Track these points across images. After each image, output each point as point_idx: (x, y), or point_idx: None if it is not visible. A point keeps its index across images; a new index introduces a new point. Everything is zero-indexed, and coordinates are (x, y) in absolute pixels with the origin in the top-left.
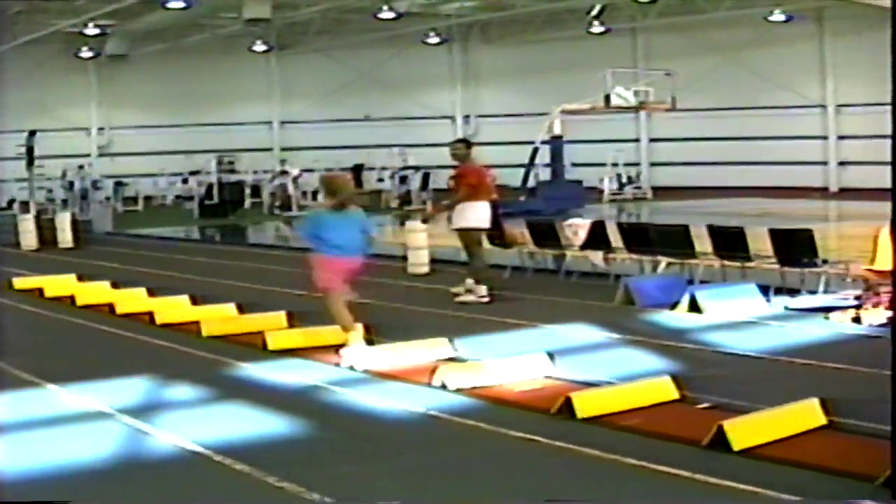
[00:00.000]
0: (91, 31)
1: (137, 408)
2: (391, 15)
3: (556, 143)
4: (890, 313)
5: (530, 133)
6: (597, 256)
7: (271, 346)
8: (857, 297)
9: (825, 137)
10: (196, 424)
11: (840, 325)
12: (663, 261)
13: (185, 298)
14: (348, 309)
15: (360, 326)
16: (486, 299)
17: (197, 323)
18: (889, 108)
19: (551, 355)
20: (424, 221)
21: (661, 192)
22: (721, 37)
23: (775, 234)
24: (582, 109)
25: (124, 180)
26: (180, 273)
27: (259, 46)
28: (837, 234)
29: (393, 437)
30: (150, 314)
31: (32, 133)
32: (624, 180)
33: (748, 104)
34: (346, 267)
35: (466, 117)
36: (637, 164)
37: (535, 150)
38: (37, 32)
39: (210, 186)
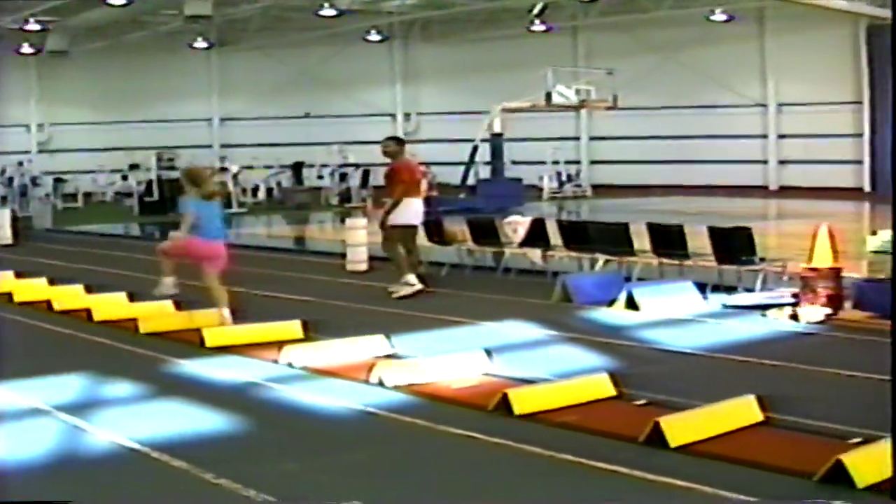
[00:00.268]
0: (32, 27)
1: (74, 405)
2: (332, 12)
3: (496, 140)
4: (828, 310)
5: (471, 131)
6: (535, 254)
7: (209, 343)
8: (795, 295)
9: (765, 136)
10: (133, 421)
11: (777, 323)
12: (601, 258)
13: (122, 295)
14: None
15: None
16: (418, 286)
17: (135, 320)
18: (829, 107)
19: (489, 352)
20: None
21: (601, 190)
22: (662, 36)
23: (714, 233)
24: (523, 107)
25: (64, 177)
26: (119, 270)
27: (200, 43)
28: (776, 233)
29: (331, 433)
30: (88, 311)
31: None
32: (564, 178)
33: (689, 103)
34: (213, 249)
35: (407, 115)
36: (577, 162)
37: (476, 148)
38: None
39: (150, 183)
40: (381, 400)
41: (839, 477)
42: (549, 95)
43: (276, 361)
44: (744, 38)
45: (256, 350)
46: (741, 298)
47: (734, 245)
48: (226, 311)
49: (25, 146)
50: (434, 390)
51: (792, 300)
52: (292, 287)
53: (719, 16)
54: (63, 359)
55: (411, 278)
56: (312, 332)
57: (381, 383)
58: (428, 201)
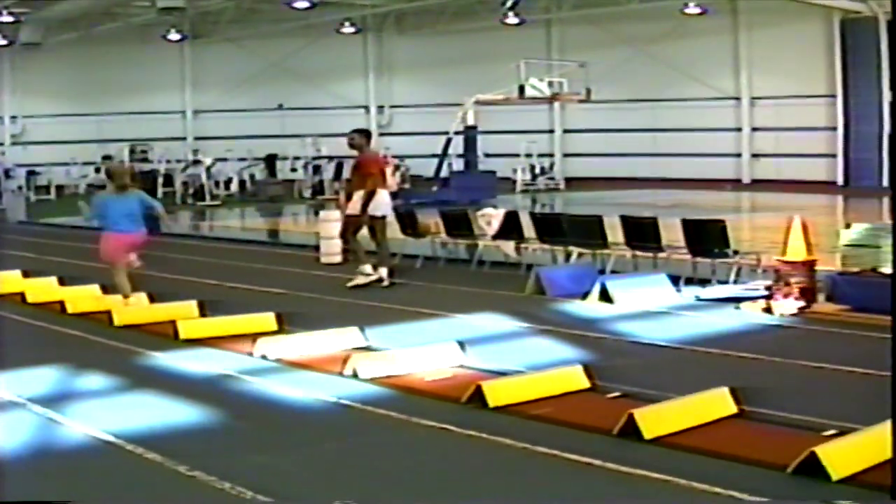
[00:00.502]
0: (5, 18)
1: (48, 397)
2: (305, 4)
3: (469, 133)
4: (801, 303)
5: (444, 123)
6: (509, 246)
7: (183, 335)
8: (768, 288)
9: (739, 129)
10: (107, 413)
11: (750, 315)
12: (575, 251)
13: (96, 288)
14: (129, 280)
15: (142, 295)
16: (374, 276)
17: (109, 312)
18: (803, 100)
19: (462, 344)
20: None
21: (574, 182)
22: (636, 29)
23: (687, 225)
24: (496, 100)
25: (37, 169)
26: (92, 262)
27: (173, 35)
28: (750, 226)
29: (305, 426)
30: (62, 303)
31: None
32: (537, 171)
33: (662, 96)
34: (127, 241)
35: (380, 107)
36: (551, 155)
37: (449, 141)
38: None
39: None
40: (355, 392)
41: (813, 469)
42: (522, 88)
43: (250, 354)
44: (717, 32)
45: (230, 342)
46: (715, 291)
47: (708, 238)
48: (133, 298)
49: None
50: (408, 382)
51: (765, 293)
52: (266, 279)
53: (693, 9)
54: (37, 351)
55: (367, 268)
56: (286, 324)
57: (355, 375)
58: (395, 194)
